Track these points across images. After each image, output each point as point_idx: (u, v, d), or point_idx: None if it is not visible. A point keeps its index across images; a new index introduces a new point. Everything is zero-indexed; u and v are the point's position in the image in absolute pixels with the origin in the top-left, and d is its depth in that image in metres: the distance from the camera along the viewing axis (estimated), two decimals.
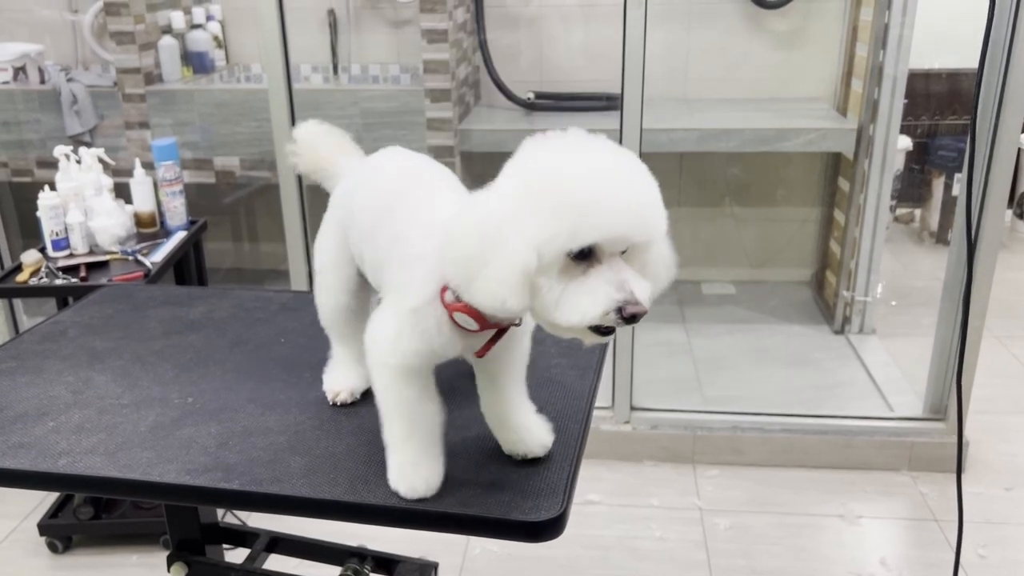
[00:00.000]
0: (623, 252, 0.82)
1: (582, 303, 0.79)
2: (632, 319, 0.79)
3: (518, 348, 0.98)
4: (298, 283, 2.55)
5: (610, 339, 0.83)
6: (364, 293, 1.11)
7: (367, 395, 1.14)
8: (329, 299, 1.11)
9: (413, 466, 0.93)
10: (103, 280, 2.05)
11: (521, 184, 0.81)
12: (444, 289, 0.87)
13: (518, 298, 0.79)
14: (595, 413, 2.52)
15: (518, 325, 0.92)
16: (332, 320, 1.12)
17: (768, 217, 3.46)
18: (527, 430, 0.99)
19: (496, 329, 0.90)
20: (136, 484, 0.97)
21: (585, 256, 0.79)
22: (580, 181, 0.79)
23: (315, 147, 1.16)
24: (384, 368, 0.93)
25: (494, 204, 0.81)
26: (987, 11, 1.68)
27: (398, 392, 0.93)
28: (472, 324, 0.88)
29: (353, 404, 1.12)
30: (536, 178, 0.80)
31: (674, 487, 2.43)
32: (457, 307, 0.87)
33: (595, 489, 2.41)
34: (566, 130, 0.83)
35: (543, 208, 0.78)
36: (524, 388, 1.02)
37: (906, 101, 2.91)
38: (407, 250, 0.92)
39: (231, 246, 3.62)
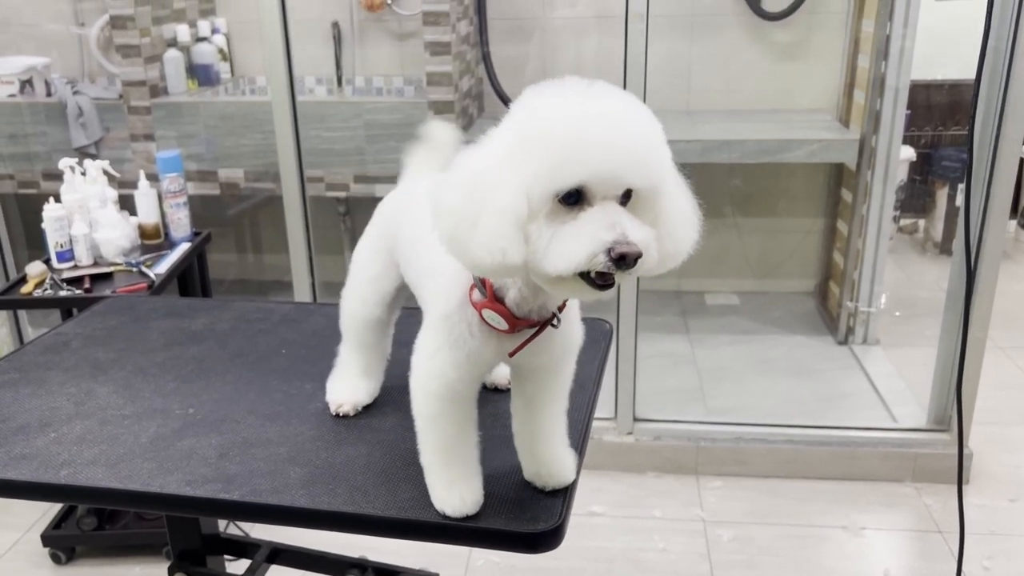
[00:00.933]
0: (626, 201, 0.77)
1: (569, 246, 0.74)
2: (622, 260, 0.73)
3: (559, 373, 0.95)
4: (301, 294, 2.56)
5: (608, 293, 0.76)
6: (396, 306, 1.13)
7: (368, 407, 1.15)
8: (363, 309, 1.11)
9: (452, 486, 0.92)
10: (107, 291, 2.07)
11: (510, 131, 0.78)
12: (472, 288, 0.87)
13: (516, 247, 0.75)
14: (598, 424, 2.54)
15: (556, 326, 0.88)
16: (358, 329, 1.13)
17: (771, 228, 3.46)
18: (552, 464, 0.97)
19: (530, 327, 0.87)
20: (137, 495, 0.97)
21: (576, 200, 0.75)
22: (565, 121, 0.75)
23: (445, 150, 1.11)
24: (427, 397, 0.91)
25: (483, 154, 0.78)
26: (983, 23, 1.69)
27: (442, 429, 0.92)
28: (501, 322, 0.86)
29: (354, 416, 1.13)
30: (525, 123, 0.77)
31: (677, 498, 2.42)
32: (485, 304, 0.86)
33: (598, 500, 2.41)
34: (563, 78, 0.79)
35: (530, 151, 0.75)
36: (562, 418, 0.98)
37: (909, 112, 2.91)
38: (437, 258, 0.90)
39: (235, 257, 3.64)
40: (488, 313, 0.86)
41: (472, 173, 0.78)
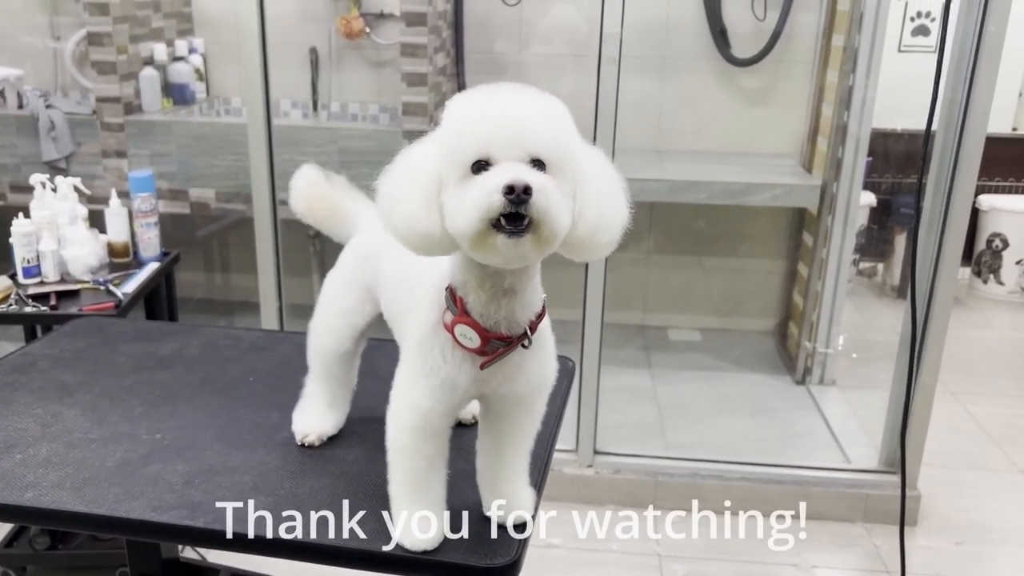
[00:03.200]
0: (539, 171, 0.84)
1: (470, 196, 0.81)
2: (511, 192, 0.79)
3: (531, 410, 0.99)
4: (268, 316, 2.57)
5: (522, 240, 0.81)
6: (363, 338, 1.16)
7: (333, 438, 1.17)
8: (332, 343, 1.14)
9: (414, 520, 0.95)
10: (73, 309, 2.06)
11: (436, 128, 0.88)
12: (445, 310, 0.91)
13: (424, 215, 0.84)
14: (559, 456, 2.56)
15: (526, 347, 0.92)
16: (325, 361, 1.15)
17: (734, 268, 3.53)
18: (513, 501, 1.01)
19: (500, 341, 0.90)
20: (103, 519, 0.98)
21: (484, 168, 0.83)
22: (471, 106, 0.86)
23: (320, 194, 1.19)
24: (401, 430, 0.95)
25: (413, 147, 0.89)
26: (933, 77, 1.77)
27: (412, 463, 0.95)
28: (473, 336, 0.89)
29: (320, 446, 1.15)
30: (445, 117, 0.87)
31: (634, 532, 2.45)
32: (457, 320, 0.89)
33: (557, 533, 2.43)
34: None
35: (444, 135, 0.85)
36: (526, 457, 1.03)
37: (870, 159, 3.01)
38: (417, 294, 0.96)
39: (203, 277, 3.63)
40: (460, 329, 0.90)
41: (402, 159, 0.88)
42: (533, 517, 1.03)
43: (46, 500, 1.00)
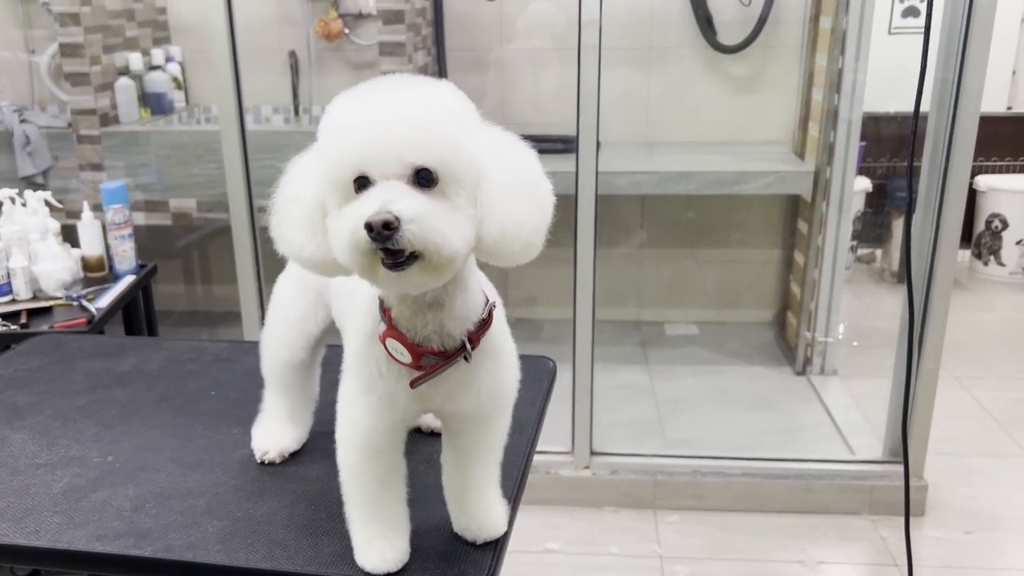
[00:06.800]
0: (429, 185, 0.74)
1: (340, 227, 0.73)
2: (371, 230, 0.70)
3: (491, 426, 0.91)
4: (250, 326, 2.51)
5: (405, 272, 0.73)
6: (319, 346, 1.10)
7: (295, 454, 1.10)
8: (286, 353, 1.07)
9: (373, 543, 0.88)
10: (44, 327, 2.00)
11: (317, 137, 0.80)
12: (379, 321, 0.84)
13: (307, 241, 0.78)
14: (554, 459, 2.50)
15: (467, 359, 0.84)
16: (281, 373, 1.09)
17: (730, 259, 3.47)
18: (483, 517, 0.94)
19: (435, 356, 0.83)
20: (43, 552, 0.92)
21: (364, 187, 0.74)
22: (345, 112, 0.76)
23: None
24: (347, 449, 0.89)
25: (296, 161, 0.82)
26: (920, 59, 1.70)
27: (364, 484, 0.88)
28: (404, 353, 0.82)
29: (280, 463, 1.08)
30: (322, 126, 0.78)
31: (634, 534, 2.39)
32: (387, 334, 0.82)
33: (554, 537, 2.36)
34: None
35: (321, 150, 0.77)
36: (495, 469, 0.95)
37: (864, 144, 2.94)
38: (359, 301, 0.89)
39: (185, 289, 3.57)
40: (391, 343, 0.83)
41: (290, 173, 0.82)
42: (507, 533, 0.96)
43: None
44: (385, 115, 0.74)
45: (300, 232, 0.77)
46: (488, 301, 0.86)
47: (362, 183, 0.74)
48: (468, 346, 0.83)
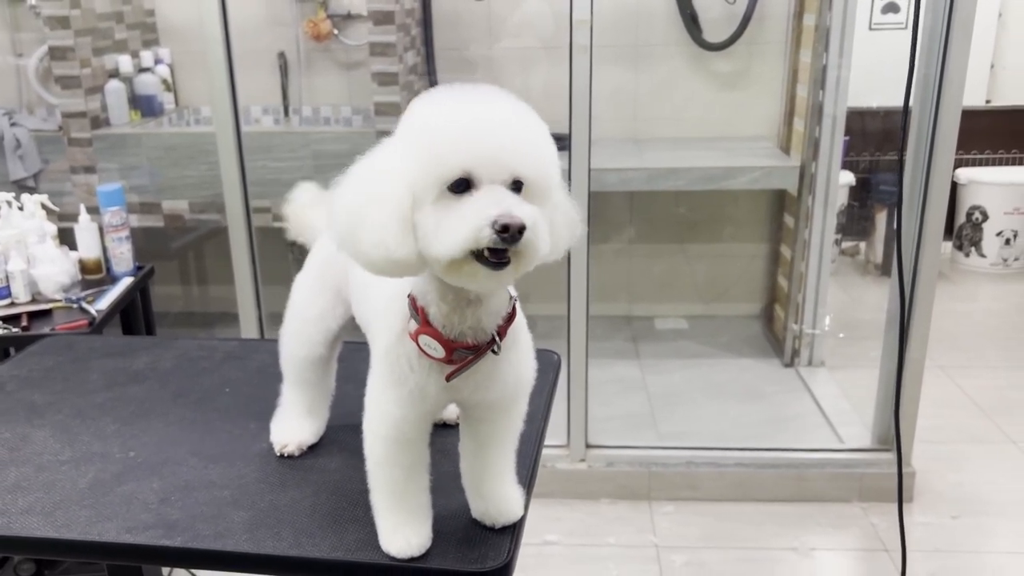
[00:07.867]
0: (517, 192, 0.79)
1: (455, 225, 0.75)
2: (506, 232, 0.74)
3: (511, 413, 0.95)
4: (248, 327, 2.52)
5: (503, 272, 0.77)
6: (338, 342, 1.12)
7: (314, 447, 1.13)
8: (305, 349, 1.10)
9: (398, 529, 0.92)
10: (45, 329, 2.01)
11: (400, 134, 0.81)
12: (409, 319, 0.87)
13: (400, 241, 0.78)
14: (551, 452, 2.54)
15: (496, 352, 0.87)
16: (300, 368, 1.11)
17: (718, 253, 3.51)
18: (500, 502, 0.97)
19: (466, 350, 0.86)
20: (75, 544, 0.95)
21: (465, 189, 0.77)
22: (450, 116, 0.78)
23: (308, 213, 1.16)
24: (375, 440, 0.91)
25: (375, 155, 0.82)
26: (909, 53, 1.75)
27: (390, 473, 0.91)
28: (437, 347, 0.85)
29: (300, 456, 1.11)
30: (412, 125, 0.80)
31: (631, 525, 2.43)
32: (420, 331, 0.85)
33: (552, 529, 2.40)
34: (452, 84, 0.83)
35: (416, 147, 0.78)
36: (512, 456, 0.99)
37: (848, 138, 2.99)
38: (384, 300, 0.91)
39: (181, 290, 3.57)
40: (424, 339, 0.85)
41: (363, 172, 0.81)
42: (523, 517, 1.00)
43: (15, 527, 0.96)
44: (492, 122, 0.77)
45: (390, 232, 0.77)
46: (512, 295, 0.90)
47: (460, 185, 0.76)
48: (497, 339, 0.86)
